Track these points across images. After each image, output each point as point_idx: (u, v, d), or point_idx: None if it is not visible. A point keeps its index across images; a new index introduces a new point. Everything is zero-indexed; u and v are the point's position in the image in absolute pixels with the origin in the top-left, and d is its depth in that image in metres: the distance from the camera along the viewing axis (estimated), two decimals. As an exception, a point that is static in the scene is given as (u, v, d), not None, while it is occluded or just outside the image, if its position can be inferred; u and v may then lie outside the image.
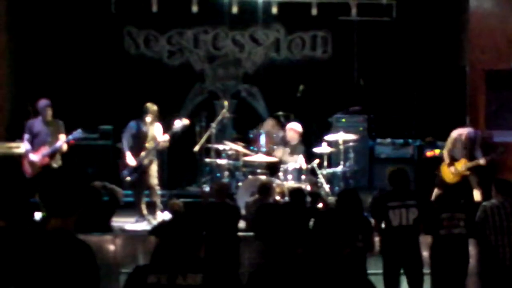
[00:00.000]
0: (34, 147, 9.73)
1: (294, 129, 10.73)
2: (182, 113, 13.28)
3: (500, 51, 11.34)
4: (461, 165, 10.03)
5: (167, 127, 10.01)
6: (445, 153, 10.33)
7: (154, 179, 9.86)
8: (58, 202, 3.32)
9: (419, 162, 11.73)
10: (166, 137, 9.83)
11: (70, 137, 9.74)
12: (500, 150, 10.18)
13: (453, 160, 10.13)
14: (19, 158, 10.06)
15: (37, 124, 9.82)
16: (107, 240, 8.23)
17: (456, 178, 10.05)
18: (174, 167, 11.88)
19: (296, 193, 8.19)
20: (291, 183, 9.99)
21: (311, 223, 6.62)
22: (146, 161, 9.78)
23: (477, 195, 9.94)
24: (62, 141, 9.69)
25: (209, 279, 3.47)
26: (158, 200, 9.89)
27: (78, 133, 9.75)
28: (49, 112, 9.78)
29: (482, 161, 9.93)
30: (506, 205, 7.30)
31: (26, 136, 9.81)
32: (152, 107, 9.89)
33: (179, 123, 9.94)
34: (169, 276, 3.47)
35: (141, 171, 9.78)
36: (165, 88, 12.99)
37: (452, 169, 10.07)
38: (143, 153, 9.74)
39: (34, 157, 9.66)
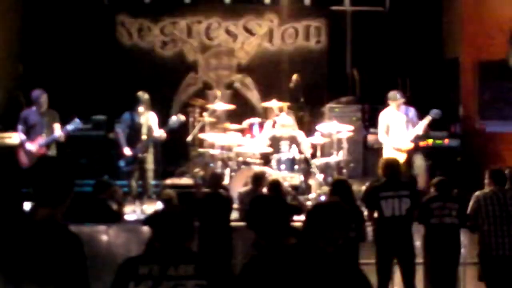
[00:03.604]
0: (30, 138, 9.67)
1: (284, 124, 10.67)
2: (175, 104, 13.29)
3: (493, 41, 11.33)
4: (401, 143, 9.85)
5: (162, 120, 9.99)
6: (380, 139, 10.16)
7: (149, 172, 9.89)
8: (47, 191, 3.31)
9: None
10: (162, 132, 9.81)
11: (69, 128, 9.64)
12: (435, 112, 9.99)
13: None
14: (12, 149, 10.01)
15: (32, 114, 9.74)
16: (100, 231, 8.21)
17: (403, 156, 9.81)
18: (167, 157, 11.86)
19: (274, 185, 8.15)
20: (284, 173, 9.99)
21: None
22: (142, 152, 9.77)
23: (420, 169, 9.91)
24: (60, 132, 9.61)
25: (201, 270, 3.46)
26: (150, 191, 9.91)
27: (76, 123, 9.65)
28: (45, 103, 9.72)
29: (419, 129, 9.79)
30: (499, 195, 7.29)
31: (20, 127, 9.74)
32: (143, 96, 9.86)
33: (175, 119, 9.92)
34: (161, 267, 3.46)
35: (138, 161, 9.79)
36: (158, 78, 12.96)
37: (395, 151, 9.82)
38: (139, 144, 9.74)
39: (31, 146, 9.59)
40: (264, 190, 8.41)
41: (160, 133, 9.82)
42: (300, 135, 10.65)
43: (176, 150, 11.85)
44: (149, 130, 9.81)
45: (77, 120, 9.67)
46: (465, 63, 11.91)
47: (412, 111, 10.05)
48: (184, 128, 11.11)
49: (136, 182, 9.91)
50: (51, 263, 3.15)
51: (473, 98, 11.68)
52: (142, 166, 9.82)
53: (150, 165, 9.90)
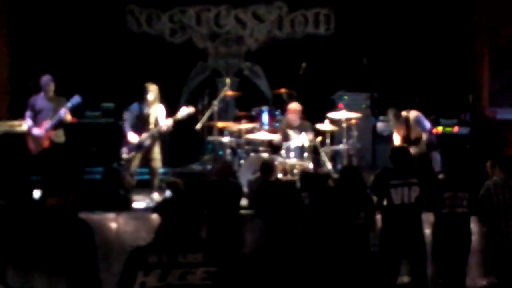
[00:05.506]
0: (37, 123, 9.75)
1: (293, 109, 10.65)
2: (185, 91, 13.29)
3: (505, 29, 11.27)
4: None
5: (171, 110, 9.98)
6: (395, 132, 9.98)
7: (157, 162, 9.86)
8: (56, 182, 3.31)
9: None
10: (170, 121, 9.78)
11: (69, 104, 9.71)
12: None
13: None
14: (21, 136, 10.06)
15: (39, 100, 9.83)
16: (109, 218, 8.21)
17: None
18: (176, 145, 11.88)
19: (306, 177, 8.05)
20: (293, 161, 9.98)
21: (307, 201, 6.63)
22: (147, 142, 9.76)
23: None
24: (63, 111, 9.67)
25: (210, 257, 3.47)
26: (157, 181, 9.90)
27: (75, 99, 9.72)
28: (52, 88, 9.80)
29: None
30: (509, 183, 7.28)
31: (28, 113, 9.83)
32: (151, 86, 9.83)
33: (185, 111, 9.91)
34: (170, 255, 3.46)
35: (142, 150, 9.78)
36: (167, 66, 12.95)
37: None
38: (145, 134, 9.72)
39: (38, 131, 9.66)
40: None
41: (166, 126, 9.75)
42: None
43: (185, 138, 11.87)
44: (156, 121, 9.79)
45: (76, 97, 9.73)
46: (476, 50, 11.85)
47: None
48: (193, 116, 11.12)
49: (135, 169, 9.88)
50: (61, 251, 3.15)
51: (484, 85, 11.62)
52: (148, 155, 9.80)
53: (157, 154, 9.86)
